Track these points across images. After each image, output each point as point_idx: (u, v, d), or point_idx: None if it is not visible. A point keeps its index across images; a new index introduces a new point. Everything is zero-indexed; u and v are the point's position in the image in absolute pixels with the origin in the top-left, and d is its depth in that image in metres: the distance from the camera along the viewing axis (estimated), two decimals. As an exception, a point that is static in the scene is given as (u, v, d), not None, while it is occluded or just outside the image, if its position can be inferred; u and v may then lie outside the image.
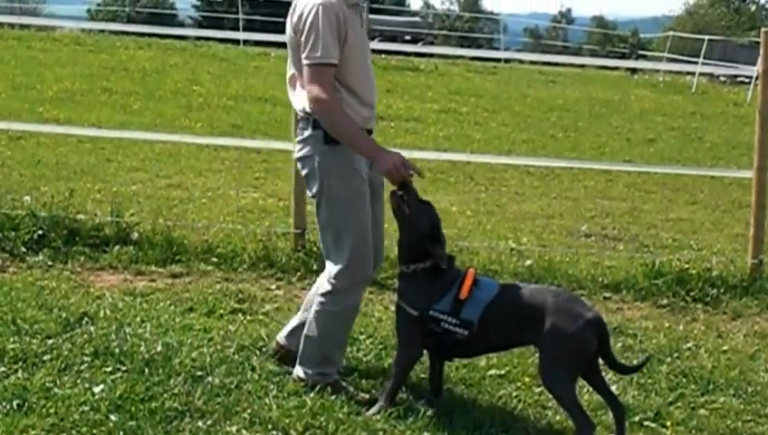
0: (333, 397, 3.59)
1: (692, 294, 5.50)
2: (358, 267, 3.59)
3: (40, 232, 5.57)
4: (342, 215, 3.56)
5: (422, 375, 3.91)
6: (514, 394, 3.83)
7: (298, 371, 3.74)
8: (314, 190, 3.61)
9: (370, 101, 3.65)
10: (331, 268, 3.62)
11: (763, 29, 5.78)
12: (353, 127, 3.50)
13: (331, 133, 3.51)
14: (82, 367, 3.70)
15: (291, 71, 3.67)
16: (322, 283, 3.69)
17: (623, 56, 33.42)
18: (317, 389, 3.62)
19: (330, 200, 3.57)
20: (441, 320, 3.43)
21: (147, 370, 3.68)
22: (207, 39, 19.22)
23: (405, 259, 3.55)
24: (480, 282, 3.49)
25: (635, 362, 3.59)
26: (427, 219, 3.52)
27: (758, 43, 5.78)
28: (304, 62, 3.47)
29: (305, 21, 3.46)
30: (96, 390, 3.47)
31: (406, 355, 3.54)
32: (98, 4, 45.41)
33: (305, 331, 3.73)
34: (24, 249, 5.45)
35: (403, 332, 3.54)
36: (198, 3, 39.76)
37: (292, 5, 3.58)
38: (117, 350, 3.85)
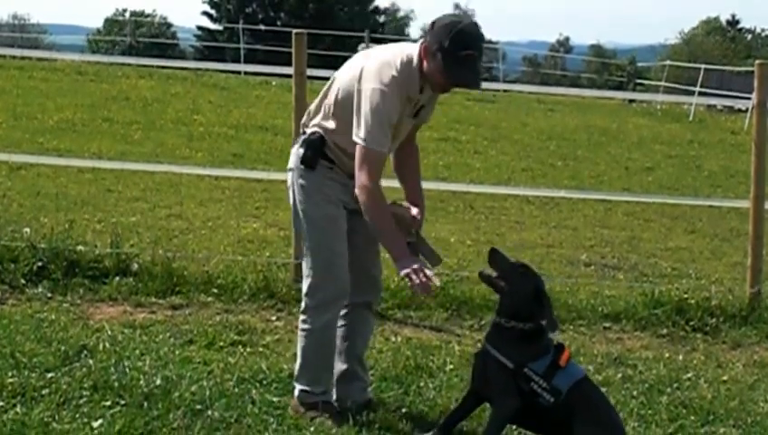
0: (333, 430, 3.59)
1: (691, 323, 5.51)
2: (326, 286, 3.66)
3: (39, 264, 5.57)
4: (311, 234, 3.69)
5: (422, 407, 3.90)
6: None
7: (295, 387, 3.80)
8: (291, 204, 3.78)
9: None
10: (304, 285, 3.74)
11: (757, 61, 5.83)
12: (387, 223, 3.53)
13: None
14: (81, 401, 3.69)
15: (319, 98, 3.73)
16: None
17: (621, 84, 33.60)
18: (317, 422, 3.62)
19: (300, 218, 3.72)
20: (533, 380, 3.39)
21: (146, 404, 3.68)
22: (208, 69, 19.29)
23: (505, 315, 3.49)
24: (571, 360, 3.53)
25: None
26: (527, 284, 3.48)
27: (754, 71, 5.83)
28: (355, 138, 3.52)
29: (362, 99, 3.49)
30: (95, 424, 3.46)
31: (506, 404, 3.43)
32: (93, 33, 45.59)
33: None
34: (23, 281, 5.45)
35: (498, 382, 3.46)
36: (200, 33, 40.01)
37: (363, 55, 3.64)
38: (116, 383, 3.85)
